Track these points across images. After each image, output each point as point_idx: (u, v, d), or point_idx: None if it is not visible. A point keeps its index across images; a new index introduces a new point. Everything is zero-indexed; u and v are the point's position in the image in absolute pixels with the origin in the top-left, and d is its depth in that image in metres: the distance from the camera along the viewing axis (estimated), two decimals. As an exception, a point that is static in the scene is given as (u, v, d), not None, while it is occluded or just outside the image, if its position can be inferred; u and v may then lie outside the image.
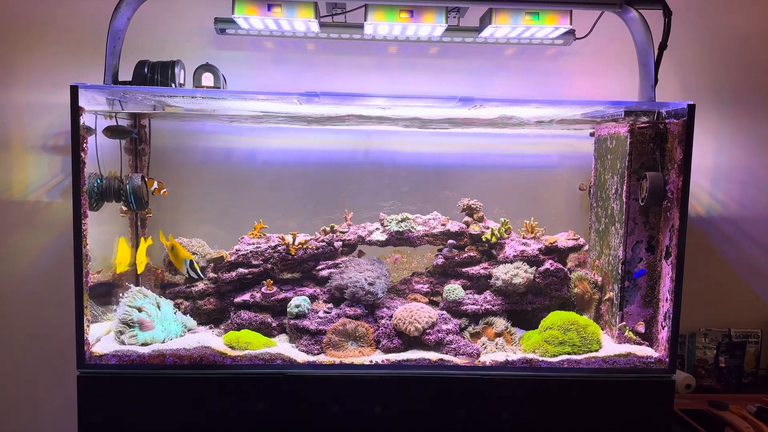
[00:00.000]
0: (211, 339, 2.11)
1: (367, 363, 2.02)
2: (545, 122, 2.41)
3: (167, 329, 2.10)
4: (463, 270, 2.32)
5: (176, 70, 2.15)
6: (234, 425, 1.98)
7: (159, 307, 2.12)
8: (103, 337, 2.12)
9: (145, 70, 2.13)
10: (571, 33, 2.39)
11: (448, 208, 2.48)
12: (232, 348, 2.04)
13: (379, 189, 2.60)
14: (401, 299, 2.29)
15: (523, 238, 2.36)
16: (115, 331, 2.07)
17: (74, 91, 1.87)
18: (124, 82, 2.10)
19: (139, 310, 2.06)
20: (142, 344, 2.03)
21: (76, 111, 1.88)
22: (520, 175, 2.66)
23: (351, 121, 2.41)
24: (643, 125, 2.10)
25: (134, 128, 2.40)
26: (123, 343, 2.03)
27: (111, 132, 2.22)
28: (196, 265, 2.22)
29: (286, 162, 2.63)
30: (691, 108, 1.96)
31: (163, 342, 2.06)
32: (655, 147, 2.10)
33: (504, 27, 2.18)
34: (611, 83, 2.60)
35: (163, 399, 1.97)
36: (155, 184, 2.27)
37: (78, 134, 1.89)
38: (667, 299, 2.06)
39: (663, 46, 2.19)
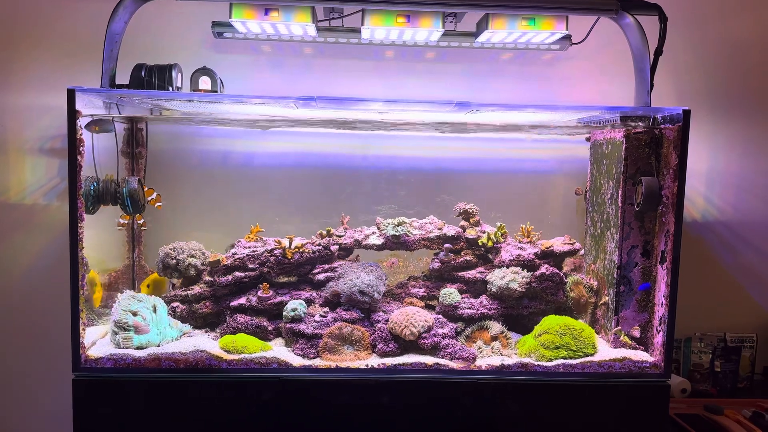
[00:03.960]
0: (206, 343, 2.10)
1: (363, 367, 2.02)
2: (541, 127, 2.42)
3: (163, 333, 2.09)
4: (460, 274, 2.32)
5: (173, 73, 2.15)
6: (230, 429, 1.98)
7: (155, 310, 2.11)
8: (98, 340, 2.12)
9: (143, 73, 2.13)
10: (567, 38, 2.40)
11: (445, 212, 2.48)
12: (228, 352, 2.04)
13: (376, 193, 2.60)
14: (397, 303, 2.29)
15: (519, 242, 2.36)
16: (110, 335, 2.07)
17: (71, 94, 1.87)
18: (122, 86, 2.10)
19: (134, 314, 2.06)
20: (138, 348, 2.03)
21: (73, 114, 1.88)
22: (516, 179, 2.67)
23: (349, 126, 2.42)
24: (638, 130, 2.11)
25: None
26: (118, 346, 2.03)
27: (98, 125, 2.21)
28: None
29: (283, 165, 2.63)
30: (687, 113, 1.97)
31: (159, 345, 2.06)
32: (650, 152, 2.11)
33: (500, 32, 2.19)
34: (607, 88, 2.61)
35: (158, 403, 1.96)
36: (153, 195, 2.27)
37: (75, 138, 1.89)
38: (662, 304, 2.07)
39: (659, 52, 2.20)
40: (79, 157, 1.90)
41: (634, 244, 2.14)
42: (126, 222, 2.33)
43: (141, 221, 2.36)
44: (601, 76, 2.62)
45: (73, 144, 1.89)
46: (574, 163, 2.60)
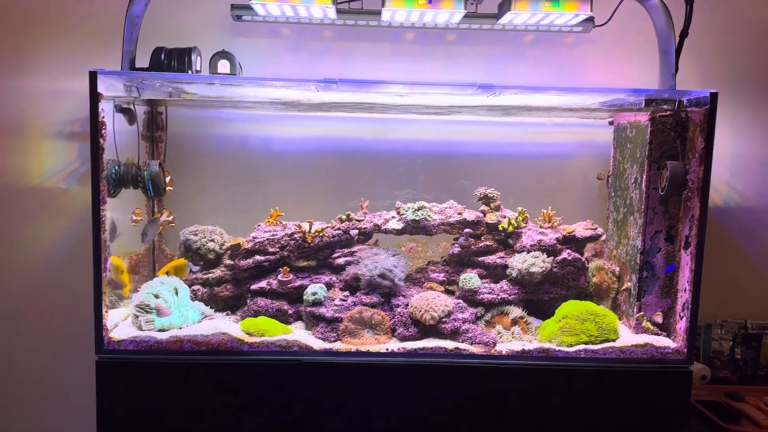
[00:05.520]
0: (228, 325, 2.11)
1: (383, 351, 2.02)
2: (563, 110, 2.39)
3: (184, 315, 2.10)
4: (480, 259, 2.31)
5: (193, 56, 2.14)
6: (251, 411, 1.99)
7: (177, 293, 2.12)
8: (120, 323, 2.13)
9: (162, 56, 2.12)
10: (590, 20, 2.36)
11: (463, 198, 2.46)
12: (250, 335, 2.04)
13: (394, 177, 2.58)
14: (417, 288, 2.29)
15: (540, 227, 2.34)
16: (132, 317, 2.09)
17: (93, 77, 1.87)
18: (141, 69, 2.10)
19: (156, 296, 2.07)
20: (160, 330, 2.04)
21: (95, 97, 1.88)
22: (535, 164, 2.64)
23: (368, 109, 2.41)
24: (664, 114, 2.08)
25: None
26: (140, 328, 2.04)
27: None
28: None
29: (301, 150, 2.62)
30: (714, 96, 1.94)
31: (181, 328, 2.07)
32: (675, 136, 2.07)
33: (523, 13, 2.15)
34: (629, 72, 2.57)
35: (180, 384, 1.98)
36: (167, 178, 2.27)
37: (97, 120, 1.89)
38: (685, 289, 2.05)
39: (684, 34, 2.16)
40: (101, 140, 1.91)
41: (658, 230, 2.11)
42: (140, 219, 2.33)
43: (171, 218, 2.37)
44: (623, 59, 2.57)
45: (96, 127, 1.89)
46: (596, 148, 2.57)
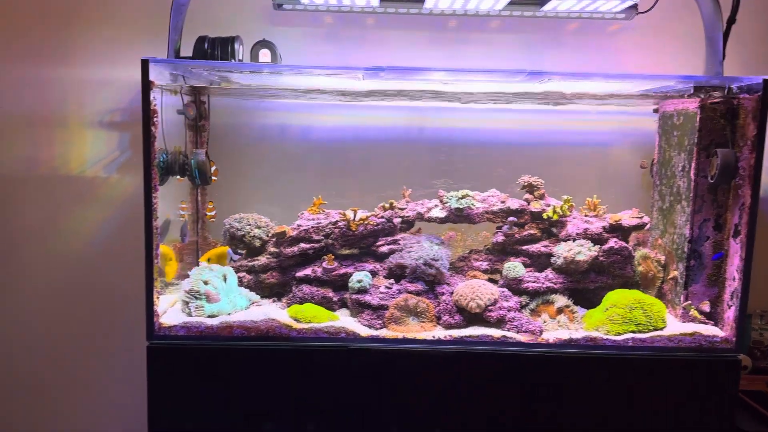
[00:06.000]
0: (276, 312, 2.13)
1: (429, 338, 2.03)
2: (610, 97, 2.36)
3: (233, 301, 2.12)
4: (523, 248, 2.30)
5: (236, 45, 2.14)
6: (301, 397, 2.01)
7: (225, 279, 2.14)
8: (169, 309, 2.16)
9: (206, 45, 2.12)
10: (633, 7, 2.34)
11: (501, 187, 2.44)
12: (297, 321, 2.06)
13: (432, 167, 2.57)
14: (460, 276, 2.29)
15: (585, 216, 2.33)
16: (180, 304, 2.11)
17: (145, 65, 1.88)
18: (186, 58, 2.10)
19: (206, 283, 2.08)
20: (210, 316, 2.06)
21: (146, 85, 1.89)
22: (576, 152, 2.61)
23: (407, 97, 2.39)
24: (714, 100, 2.06)
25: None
26: (190, 315, 2.06)
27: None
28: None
29: (339, 138, 2.62)
30: (767, 83, 1.91)
31: (230, 314, 2.09)
32: (726, 123, 2.05)
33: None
34: (672, 60, 2.54)
35: (230, 370, 2.00)
36: (213, 167, 2.28)
37: (149, 108, 1.90)
38: (734, 278, 2.04)
39: (731, 20, 2.14)
40: (152, 128, 1.92)
41: (706, 218, 2.09)
42: (185, 213, 2.35)
43: (213, 213, 2.41)
44: (665, 48, 2.54)
45: (147, 115, 1.91)
46: (638, 136, 2.55)
